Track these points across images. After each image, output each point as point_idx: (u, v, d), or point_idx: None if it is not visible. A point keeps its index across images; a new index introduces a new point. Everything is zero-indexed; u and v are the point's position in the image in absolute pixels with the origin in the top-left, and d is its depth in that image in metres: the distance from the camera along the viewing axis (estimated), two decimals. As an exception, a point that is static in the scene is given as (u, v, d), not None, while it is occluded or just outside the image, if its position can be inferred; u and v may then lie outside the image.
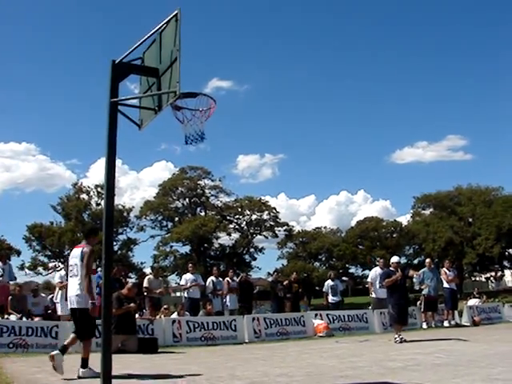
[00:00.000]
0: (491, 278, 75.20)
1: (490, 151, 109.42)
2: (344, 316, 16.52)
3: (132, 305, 12.09)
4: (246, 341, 14.28)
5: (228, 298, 17.54)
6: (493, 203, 68.32)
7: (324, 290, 19.75)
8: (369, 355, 10.49)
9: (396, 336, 12.93)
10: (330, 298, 19.30)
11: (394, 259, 14.02)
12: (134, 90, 7.03)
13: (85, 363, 7.89)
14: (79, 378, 7.71)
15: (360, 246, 75.56)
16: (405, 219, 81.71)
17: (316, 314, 16.50)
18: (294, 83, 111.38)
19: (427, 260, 19.25)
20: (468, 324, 17.61)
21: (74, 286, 8.15)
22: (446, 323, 17.55)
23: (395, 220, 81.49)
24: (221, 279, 17.89)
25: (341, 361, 9.60)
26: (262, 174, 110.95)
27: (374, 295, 17.71)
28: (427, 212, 78.28)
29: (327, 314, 16.40)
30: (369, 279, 18.41)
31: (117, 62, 6.21)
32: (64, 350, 7.99)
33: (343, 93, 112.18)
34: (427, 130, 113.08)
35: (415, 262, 75.76)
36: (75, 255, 8.37)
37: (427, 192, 76.44)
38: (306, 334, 15.31)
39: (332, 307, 18.50)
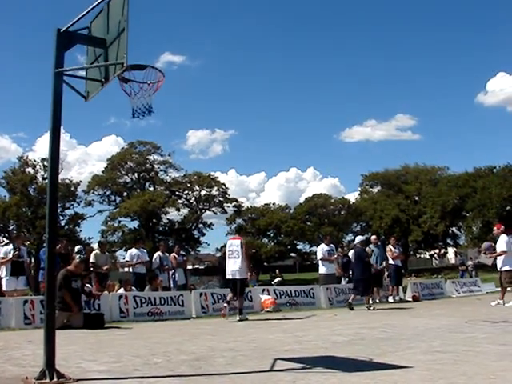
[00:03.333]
0: (435, 255, 77.23)
1: (437, 132, 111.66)
2: (291, 291, 16.72)
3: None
4: (194, 316, 14.31)
5: (176, 273, 17.51)
6: (438, 182, 69.98)
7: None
8: (314, 330, 10.65)
9: (367, 305, 14.99)
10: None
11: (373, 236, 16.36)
12: (84, 62, 6.83)
13: None
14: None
15: (308, 223, 76.35)
16: (353, 197, 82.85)
17: (263, 290, 16.65)
18: (246, 60, 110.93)
19: (373, 237, 19.60)
20: (411, 300, 18.06)
21: None
22: (390, 299, 17.95)
23: (343, 197, 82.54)
24: (168, 254, 17.82)
25: (287, 335, 9.72)
26: (213, 150, 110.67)
27: (322, 271, 17.94)
28: (375, 190, 79.62)
29: (274, 290, 16.60)
30: (318, 256, 18.54)
31: (62, 30, 6.02)
32: None
33: (295, 70, 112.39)
34: (377, 108, 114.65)
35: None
36: None
37: (375, 170, 77.77)
38: (253, 309, 15.41)
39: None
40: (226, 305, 13.38)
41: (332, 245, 18.80)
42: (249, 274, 13.47)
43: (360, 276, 15.72)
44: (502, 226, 16.16)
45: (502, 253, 15.27)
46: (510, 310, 13.99)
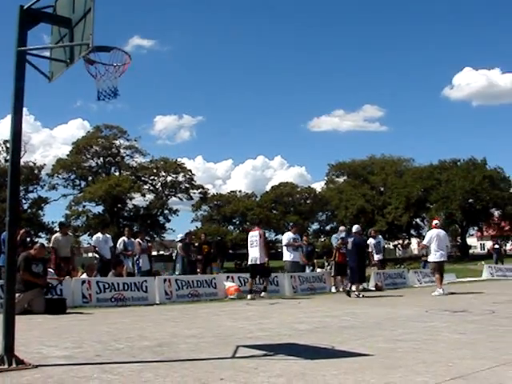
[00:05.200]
0: (399, 246, 78.28)
1: (404, 124, 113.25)
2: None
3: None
4: (157, 302, 14.23)
5: (140, 259, 17.41)
6: (404, 174, 70.89)
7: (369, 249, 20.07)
8: (278, 317, 10.70)
9: (357, 292, 15.54)
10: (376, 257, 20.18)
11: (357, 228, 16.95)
12: (49, 42, 6.67)
13: None
14: None
15: (274, 211, 76.65)
16: (319, 186, 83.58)
17: (228, 277, 16.66)
18: (216, 48, 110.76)
19: (341, 228, 19.76)
20: (374, 289, 18.26)
21: None
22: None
23: (310, 186, 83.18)
24: (132, 240, 17.69)
25: (250, 322, 9.74)
26: (180, 136, 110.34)
27: (288, 258, 17.94)
28: (341, 180, 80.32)
29: (239, 277, 16.59)
30: (284, 242, 18.51)
31: (25, 7, 5.86)
32: None
33: (264, 59, 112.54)
34: (345, 99, 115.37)
35: (327, 228, 77.72)
36: None
37: (342, 160, 78.37)
38: (217, 296, 15.43)
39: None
40: (250, 295, 15.14)
41: (298, 235, 18.84)
42: (266, 259, 15.60)
43: (358, 264, 16.07)
44: (436, 221, 17.93)
45: (424, 246, 17.40)
46: (471, 300, 14.28)
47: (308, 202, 79.71)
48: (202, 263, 18.88)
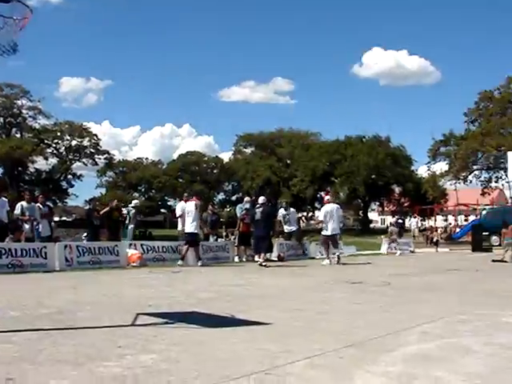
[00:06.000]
0: (302, 218, 79.85)
1: (313, 99, 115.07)
2: (158, 247, 16.66)
3: None
4: (57, 269, 13.89)
5: (40, 224, 16.85)
6: (310, 147, 72.01)
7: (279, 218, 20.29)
8: (181, 286, 10.71)
9: (261, 261, 15.86)
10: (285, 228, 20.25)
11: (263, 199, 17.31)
12: None
13: None
14: None
15: (180, 180, 76.27)
16: (226, 156, 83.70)
17: (130, 244, 16.47)
18: (126, 7, 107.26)
19: (246, 198, 19.96)
20: (277, 259, 18.61)
21: None
22: (256, 258, 18.32)
23: (217, 156, 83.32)
24: (33, 204, 17.09)
25: (152, 291, 9.71)
26: (87, 100, 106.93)
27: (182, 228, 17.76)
28: (248, 151, 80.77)
29: (141, 244, 16.44)
30: (177, 212, 18.41)
31: None
32: None
33: (176, 23, 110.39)
34: (256, 70, 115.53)
35: (233, 198, 78.21)
36: None
37: (250, 131, 78.74)
38: (119, 263, 15.25)
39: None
40: (180, 262, 15.80)
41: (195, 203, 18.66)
42: (200, 230, 16.71)
43: (264, 234, 16.38)
44: (328, 196, 19.27)
45: (319, 222, 18.21)
46: (369, 272, 14.87)
47: (215, 171, 79.87)
48: (111, 229, 18.36)
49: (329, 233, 17.39)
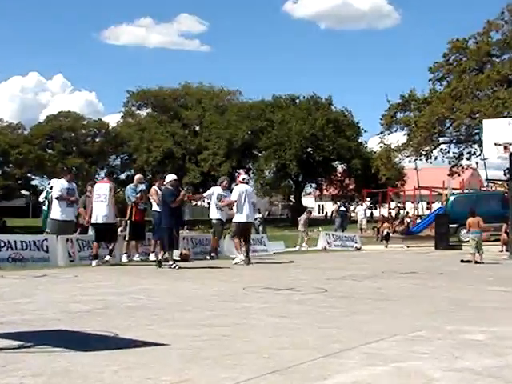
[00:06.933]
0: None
1: (231, 45, 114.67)
2: (16, 243, 16.30)
3: None
4: None
5: None
6: (227, 110, 71.72)
7: None
8: (45, 295, 10.55)
9: (171, 262, 15.86)
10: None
11: (173, 176, 17.02)
12: None
13: None
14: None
15: (49, 150, 74.84)
16: (113, 120, 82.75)
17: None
18: None
19: (138, 176, 19.77)
20: (179, 258, 18.56)
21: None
22: (152, 256, 18.22)
23: (101, 119, 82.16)
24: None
25: (4, 302, 9.54)
26: None
27: (54, 216, 17.51)
28: (144, 113, 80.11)
29: (-6, 240, 16.10)
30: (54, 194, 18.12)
31: None
32: None
33: None
34: (155, 4, 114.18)
35: (122, 176, 77.38)
36: None
37: (146, 87, 77.68)
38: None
39: None
40: (95, 261, 16.45)
41: (74, 184, 18.48)
42: (118, 219, 17.22)
43: (165, 225, 16.35)
44: (244, 176, 20.10)
45: (232, 202, 18.36)
46: (300, 275, 15.06)
47: (98, 140, 78.83)
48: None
49: (244, 219, 17.86)
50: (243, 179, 19.07)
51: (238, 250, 18.05)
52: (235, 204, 18.06)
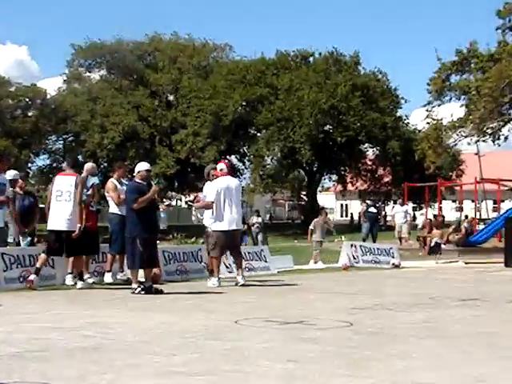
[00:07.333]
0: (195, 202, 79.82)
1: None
2: None
3: None
4: None
5: None
6: (212, 73, 71.07)
7: None
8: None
9: (135, 286, 16.20)
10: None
11: (145, 166, 17.25)
12: None
13: None
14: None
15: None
16: (53, 85, 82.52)
17: None
18: None
19: (88, 165, 19.70)
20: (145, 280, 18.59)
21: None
22: (108, 276, 18.19)
23: (35, 85, 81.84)
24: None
25: None
26: None
27: None
28: (95, 76, 79.92)
29: None
30: None
31: None
32: None
33: None
34: None
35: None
36: None
37: (98, 39, 77.22)
38: None
39: None
40: (34, 276, 16.63)
41: (4, 176, 18.44)
42: (79, 225, 16.89)
43: (129, 234, 16.60)
44: (223, 165, 19.13)
45: (209, 204, 18.29)
46: (314, 302, 15.05)
47: (30, 114, 78.66)
48: None
49: (225, 226, 17.77)
50: (221, 170, 18.49)
51: (214, 270, 17.94)
52: (213, 206, 17.94)
